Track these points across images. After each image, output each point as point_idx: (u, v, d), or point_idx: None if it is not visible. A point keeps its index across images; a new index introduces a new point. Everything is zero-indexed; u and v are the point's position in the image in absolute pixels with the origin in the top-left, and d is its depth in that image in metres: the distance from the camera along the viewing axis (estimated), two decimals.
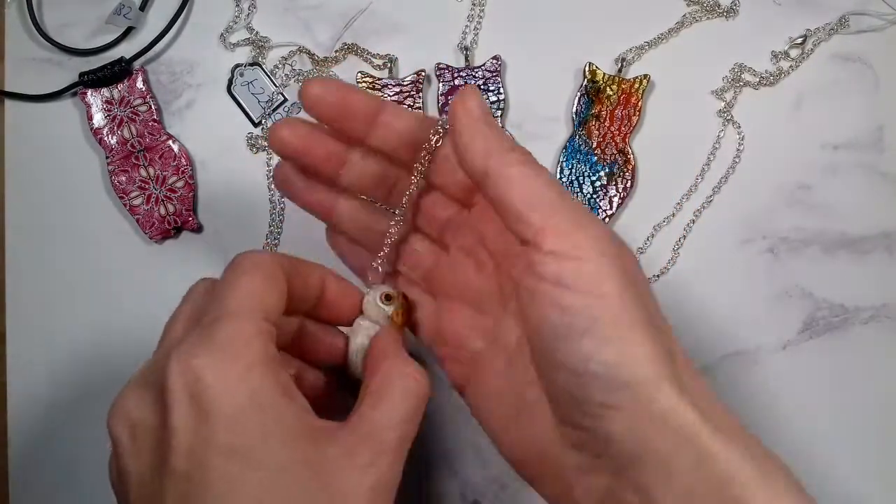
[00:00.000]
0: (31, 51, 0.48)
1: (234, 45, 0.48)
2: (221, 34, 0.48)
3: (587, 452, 0.26)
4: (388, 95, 0.46)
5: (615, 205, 0.44)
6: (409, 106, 0.46)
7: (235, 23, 0.48)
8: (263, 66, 0.47)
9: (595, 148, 0.45)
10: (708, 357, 0.43)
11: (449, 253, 0.34)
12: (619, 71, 0.46)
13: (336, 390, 0.33)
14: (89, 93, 0.47)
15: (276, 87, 0.47)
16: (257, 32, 0.48)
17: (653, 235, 0.45)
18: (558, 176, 0.45)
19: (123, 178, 0.46)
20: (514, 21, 0.47)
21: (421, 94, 0.46)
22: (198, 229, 0.46)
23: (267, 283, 0.27)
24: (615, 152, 0.45)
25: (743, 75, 0.46)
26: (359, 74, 0.46)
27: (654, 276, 0.44)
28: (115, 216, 0.46)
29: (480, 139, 0.27)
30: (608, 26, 0.47)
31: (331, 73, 0.47)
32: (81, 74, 0.46)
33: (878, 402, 0.42)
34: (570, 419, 0.26)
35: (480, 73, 0.46)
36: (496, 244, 0.31)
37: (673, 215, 0.45)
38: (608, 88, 0.45)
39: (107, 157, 0.46)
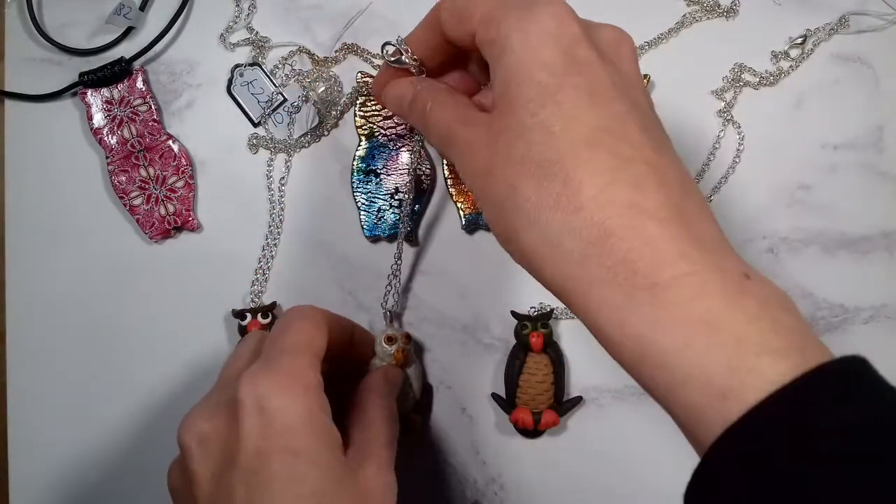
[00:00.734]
0: (31, 51, 0.48)
1: (234, 45, 0.48)
2: (221, 34, 0.48)
3: None
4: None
5: None
6: None
7: (235, 23, 0.48)
8: (263, 66, 0.47)
9: None
10: None
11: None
12: None
13: None
14: (89, 93, 0.47)
15: (275, 87, 0.47)
16: (257, 32, 0.48)
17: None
18: None
19: (123, 178, 0.46)
20: None
21: None
22: (198, 229, 0.46)
23: (315, 328, 0.34)
24: None
25: (743, 75, 0.46)
26: (359, 74, 0.46)
27: None
28: (115, 216, 0.46)
29: None
30: None
31: (331, 73, 0.47)
32: (81, 74, 0.46)
33: None
34: None
35: None
36: None
37: None
38: None
39: (107, 157, 0.46)
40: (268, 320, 0.44)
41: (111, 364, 0.45)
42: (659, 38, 0.47)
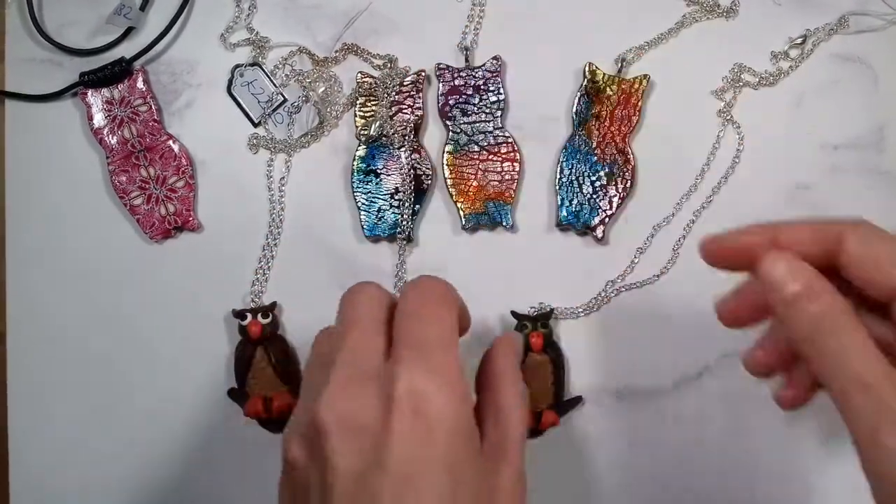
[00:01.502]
0: (32, 51, 0.48)
1: (234, 45, 0.48)
2: (221, 34, 0.48)
3: None
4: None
5: (615, 205, 0.44)
6: (409, 106, 0.46)
7: (235, 23, 0.48)
8: (263, 67, 0.47)
9: (595, 148, 0.45)
10: (708, 357, 0.43)
11: None
12: (619, 71, 0.46)
13: None
14: (90, 93, 0.47)
15: (275, 87, 0.47)
16: (257, 32, 0.48)
17: (653, 235, 0.45)
18: (558, 176, 0.45)
19: (124, 178, 0.46)
20: (514, 21, 0.47)
21: (421, 95, 0.46)
22: (198, 229, 0.46)
23: (454, 318, 0.31)
24: (615, 152, 0.45)
25: (743, 75, 0.46)
26: (359, 74, 0.46)
27: (654, 276, 0.44)
28: (115, 216, 0.46)
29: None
30: (608, 26, 0.47)
31: (331, 73, 0.47)
32: (82, 74, 0.46)
33: None
34: None
35: (480, 73, 0.46)
36: None
37: (673, 215, 0.45)
38: (608, 88, 0.45)
39: (107, 157, 0.46)
40: (268, 320, 0.44)
41: (111, 364, 0.45)
42: (659, 38, 0.47)
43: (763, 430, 0.43)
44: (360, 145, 0.46)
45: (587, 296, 0.44)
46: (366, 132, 0.45)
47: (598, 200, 0.44)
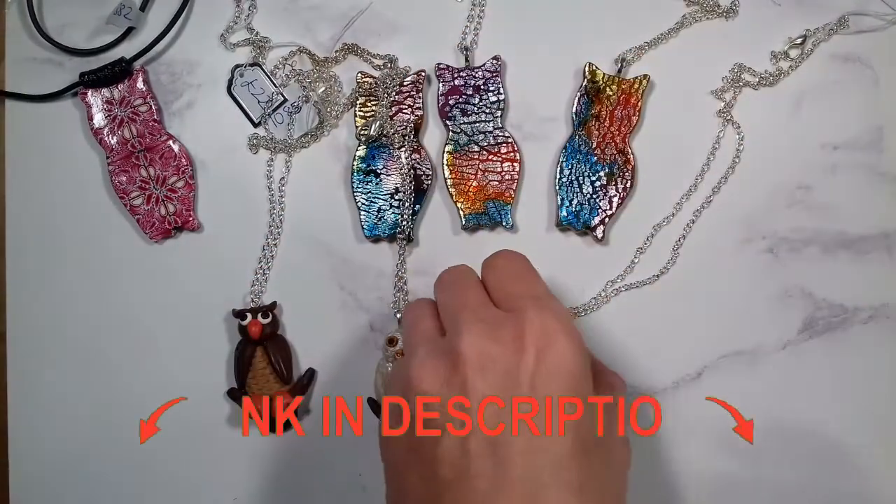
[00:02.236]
0: (32, 51, 0.48)
1: (234, 45, 0.48)
2: (221, 34, 0.48)
3: None
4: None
5: (615, 205, 0.44)
6: (409, 106, 0.46)
7: (235, 23, 0.48)
8: (263, 67, 0.47)
9: (595, 148, 0.45)
10: (708, 357, 0.43)
11: None
12: (619, 71, 0.46)
13: None
14: (90, 93, 0.47)
15: (275, 87, 0.47)
16: (257, 32, 0.48)
17: (653, 235, 0.45)
18: (558, 176, 0.45)
19: (124, 178, 0.46)
20: (514, 21, 0.47)
21: (421, 95, 0.46)
22: (198, 229, 0.46)
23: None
24: (615, 152, 0.45)
25: (743, 75, 0.46)
26: (359, 75, 0.46)
27: (653, 276, 0.44)
28: (115, 216, 0.46)
29: None
30: (608, 26, 0.47)
31: (331, 73, 0.47)
32: (82, 75, 0.46)
33: (878, 402, 0.42)
34: None
35: (480, 73, 0.46)
36: None
37: (673, 215, 0.45)
38: (608, 88, 0.45)
39: (107, 158, 0.46)
40: (268, 320, 0.44)
41: (111, 364, 0.45)
42: (659, 38, 0.47)
43: (762, 430, 0.42)
44: (360, 145, 0.46)
45: (587, 296, 0.44)
46: (366, 132, 0.45)
47: (598, 200, 0.44)
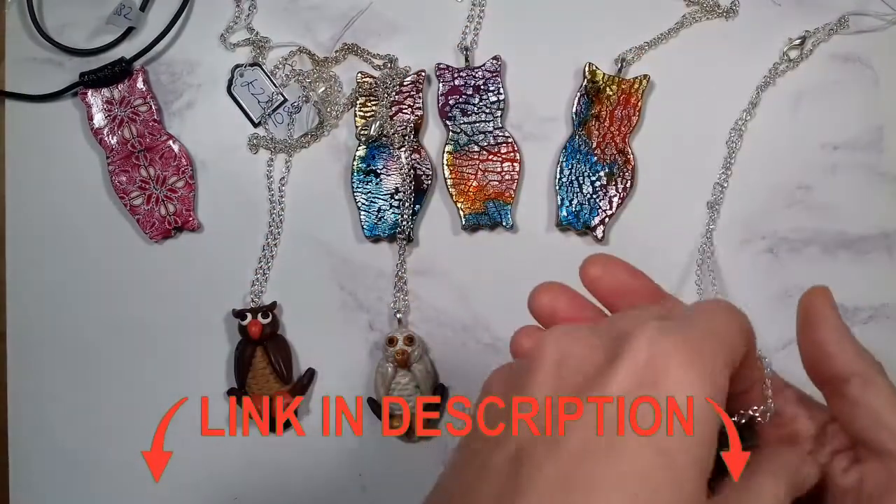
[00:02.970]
0: (32, 51, 0.48)
1: (234, 45, 0.48)
2: (221, 34, 0.48)
3: None
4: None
5: (615, 205, 0.44)
6: (409, 106, 0.46)
7: (235, 23, 0.48)
8: (263, 67, 0.47)
9: (595, 148, 0.45)
10: None
11: None
12: (619, 71, 0.46)
13: None
14: (90, 93, 0.47)
15: (275, 87, 0.47)
16: (257, 32, 0.48)
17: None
18: (558, 176, 0.45)
19: (124, 179, 0.46)
20: (514, 21, 0.47)
21: (421, 95, 0.46)
22: (198, 229, 0.46)
23: (742, 330, 0.26)
24: (615, 152, 0.45)
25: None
26: (359, 74, 0.46)
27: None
28: (115, 216, 0.46)
29: (848, 344, 0.27)
30: (608, 26, 0.47)
31: (331, 73, 0.47)
32: (82, 75, 0.46)
33: None
34: None
35: (480, 73, 0.46)
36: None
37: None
38: (608, 88, 0.45)
39: (107, 158, 0.46)
40: (268, 320, 0.44)
41: (111, 363, 0.45)
42: (659, 38, 0.47)
43: None
44: (360, 145, 0.46)
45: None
46: (366, 132, 0.45)
47: (598, 200, 0.44)
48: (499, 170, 0.45)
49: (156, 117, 0.47)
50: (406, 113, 0.46)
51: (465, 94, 0.46)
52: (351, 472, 0.43)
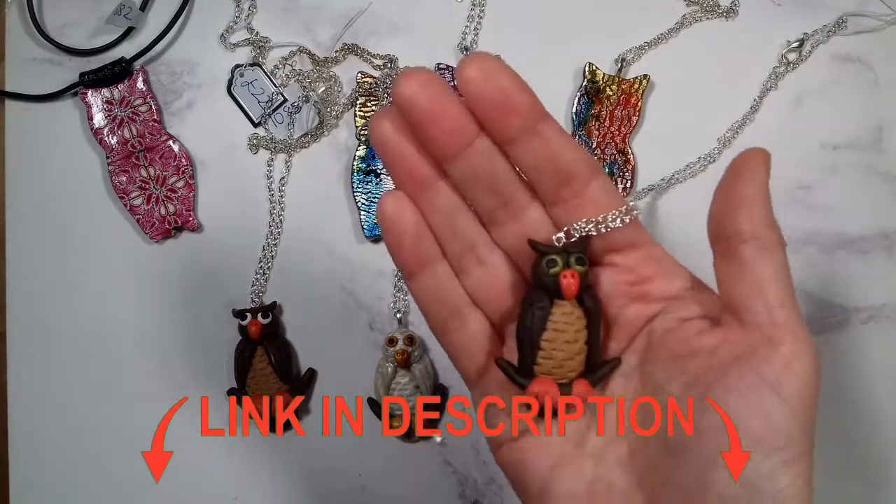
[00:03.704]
0: (32, 51, 0.48)
1: (234, 45, 0.48)
2: (221, 34, 0.48)
3: None
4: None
5: None
6: None
7: (235, 23, 0.48)
8: (263, 67, 0.47)
9: (595, 148, 0.45)
10: None
11: None
12: (619, 71, 0.46)
13: None
14: (90, 93, 0.47)
15: (276, 87, 0.47)
16: (257, 32, 0.48)
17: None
18: None
19: (124, 179, 0.46)
20: (514, 21, 0.47)
21: None
22: (198, 229, 0.46)
23: None
24: (615, 152, 0.45)
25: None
26: (359, 75, 0.46)
27: None
28: (115, 216, 0.46)
29: (763, 208, 0.28)
30: (608, 26, 0.47)
31: (331, 73, 0.47)
32: (82, 75, 0.46)
33: (878, 402, 0.42)
34: None
35: None
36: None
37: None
38: (608, 88, 0.45)
39: (107, 158, 0.46)
40: (268, 320, 0.44)
41: (111, 364, 0.45)
42: (659, 38, 0.47)
43: None
44: (360, 145, 0.46)
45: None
46: (366, 132, 0.45)
47: None
48: None
49: (156, 117, 0.47)
50: None
51: None
52: (351, 472, 0.43)
